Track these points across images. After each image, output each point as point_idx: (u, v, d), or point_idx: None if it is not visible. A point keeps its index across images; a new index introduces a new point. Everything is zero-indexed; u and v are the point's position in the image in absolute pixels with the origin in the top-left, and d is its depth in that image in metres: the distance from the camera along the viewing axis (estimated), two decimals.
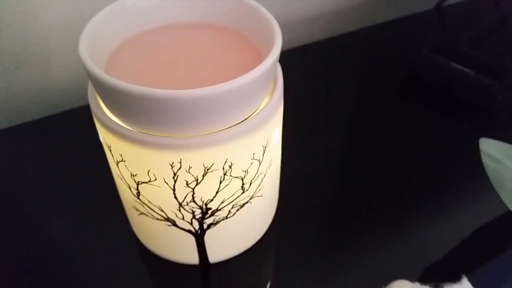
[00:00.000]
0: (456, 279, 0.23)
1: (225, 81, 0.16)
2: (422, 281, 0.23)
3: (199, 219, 0.21)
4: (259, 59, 0.20)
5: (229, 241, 0.23)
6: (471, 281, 0.23)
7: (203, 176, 0.18)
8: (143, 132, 0.17)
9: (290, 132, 0.23)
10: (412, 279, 0.23)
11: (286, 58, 0.18)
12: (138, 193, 0.20)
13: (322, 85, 0.38)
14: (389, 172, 0.30)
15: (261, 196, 0.22)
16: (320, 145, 0.32)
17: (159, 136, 0.17)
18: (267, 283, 0.24)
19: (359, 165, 0.31)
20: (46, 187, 0.28)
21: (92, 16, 0.19)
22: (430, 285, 0.22)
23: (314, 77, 0.38)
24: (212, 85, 0.16)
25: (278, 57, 0.18)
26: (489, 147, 0.29)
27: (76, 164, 0.30)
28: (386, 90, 0.38)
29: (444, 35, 0.38)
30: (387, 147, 0.32)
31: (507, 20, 0.34)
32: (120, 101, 0.16)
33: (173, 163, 0.18)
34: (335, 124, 0.35)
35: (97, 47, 0.18)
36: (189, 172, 0.18)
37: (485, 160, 0.28)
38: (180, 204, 0.20)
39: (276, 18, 0.20)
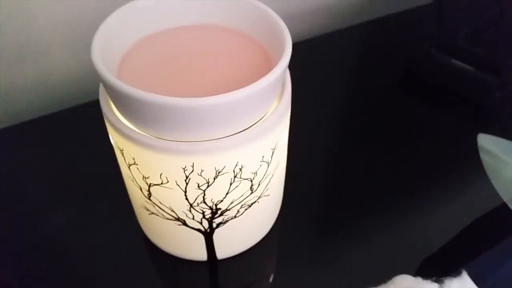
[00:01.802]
0: (455, 271, 0.24)
1: (237, 86, 0.16)
2: (421, 272, 0.24)
3: (209, 219, 0.21)
4: (269, 62, 0.20)
5: (237, 238, 0.24)
6: (468, 271, 0.24)
7: (214, 179, 0.19)
8: (157, 137, 0.18)
9: (291, 129, 0.23)
10: (411, 271, 0.24)
11: None
12: (149, 194, 0.20)
13: (321, 80, 0.38)
14: (388, 167, 0.31)
15: (268, 195, 0.22)
16: (319, 141, 0.33)
17: (173, 141, 0.17)
18: (272, 277, 0.25)
19: (358, 159, 0.32)
20: (52, 186, 0.29)
21: (102, 18, 0.19)
22: (431, 280, 0.23)
23: (313, 72, 0.39)
24: (225, 90, 0.16)
25: (288, 63, 0.18)
26: (486, 142, 0.30)
27: (83, 162, 0.30)
28: (385, 85, 0.38)
29: (443, 30, 0.38)
30: (386, 142, 0.33)
31: (506, 14, 0.35)
32: (134, 108, 0.16)
33: (185, 167, 0.18)
34: (334, 119, 0.35)
35: (109, 51, 0.18)
36: (201, 175, 0.18)
37: (482, 155, 0.29)
38: (191, 205, 0.20)
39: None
